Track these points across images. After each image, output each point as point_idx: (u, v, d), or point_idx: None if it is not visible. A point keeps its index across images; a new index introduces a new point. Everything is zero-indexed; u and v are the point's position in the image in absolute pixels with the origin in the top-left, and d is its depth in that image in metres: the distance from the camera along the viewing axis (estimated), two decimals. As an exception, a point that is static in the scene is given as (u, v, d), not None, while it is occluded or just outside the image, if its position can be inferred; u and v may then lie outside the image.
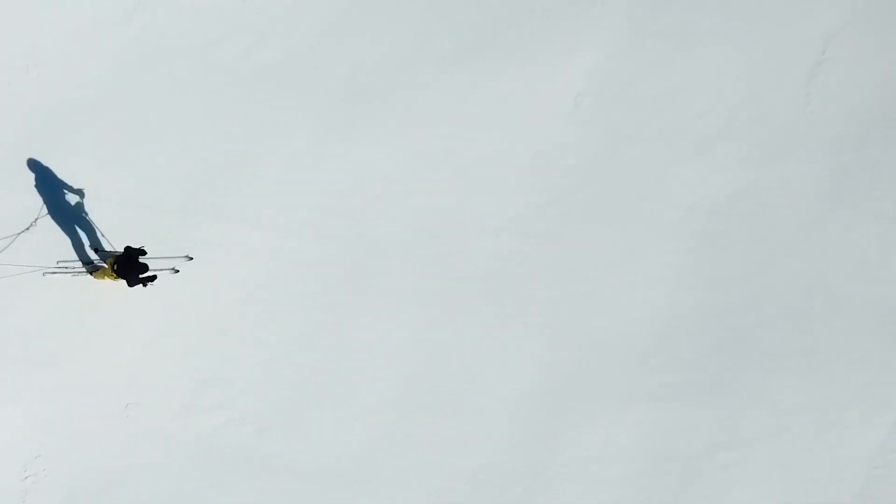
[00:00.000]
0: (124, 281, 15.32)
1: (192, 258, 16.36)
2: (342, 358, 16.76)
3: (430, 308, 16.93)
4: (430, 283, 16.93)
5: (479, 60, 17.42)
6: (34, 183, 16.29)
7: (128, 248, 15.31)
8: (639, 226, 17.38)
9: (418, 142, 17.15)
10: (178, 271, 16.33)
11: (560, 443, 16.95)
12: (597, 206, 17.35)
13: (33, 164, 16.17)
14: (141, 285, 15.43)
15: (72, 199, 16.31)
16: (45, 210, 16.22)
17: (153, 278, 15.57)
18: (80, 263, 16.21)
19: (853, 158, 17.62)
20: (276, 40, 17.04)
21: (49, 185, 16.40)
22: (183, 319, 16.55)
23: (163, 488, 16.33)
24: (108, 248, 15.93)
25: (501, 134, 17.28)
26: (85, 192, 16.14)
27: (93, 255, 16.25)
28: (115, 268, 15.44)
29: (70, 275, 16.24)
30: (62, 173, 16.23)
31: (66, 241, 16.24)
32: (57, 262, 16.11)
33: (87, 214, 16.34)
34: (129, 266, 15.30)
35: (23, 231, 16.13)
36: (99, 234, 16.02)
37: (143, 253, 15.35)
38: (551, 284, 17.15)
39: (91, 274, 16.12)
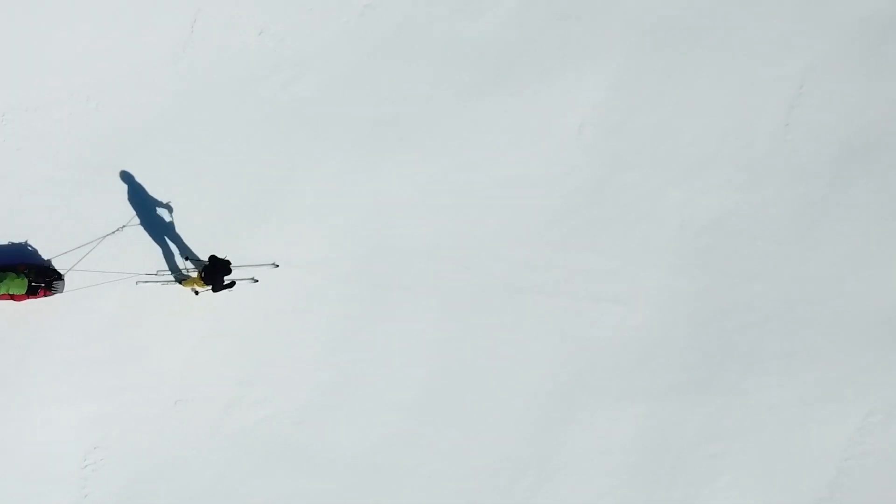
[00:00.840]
0: (209, 287, 16.56)
1: (277, 265, 17.61)
2: (370, 360, 18.00)
3: (448, 316, 18.17)
4: (447, 293, 18.18)
5: (493, 95, 18.55)
6: (124, 196, 17.55)
7: (213, 258, 16.52)
8: (636, 242, 18.64)
9: (437, 167, 18.33)
10: (257, 280, 17.55)
11: (565, 435, 18.30)
12: (598, 224, 18.58)
13: (123, 177, 17.49)
14: (227, 290, 16.65)
15: (163, 213, 17.60)
16: (135, 220, 17.46)
17: (233, 284, 16.72)
18: (169, 273, 17.45)
19: (827, 183, 18.91)
20: (310, 77, 18.23)
21: (139, 199, 17.66)
22: (227, 324, 17.72)
23: (209, 476, 17.63)
24: (169, 257, 17.20)
25: (512, 160, 18.47)
26: (172, 206, 17.38)
27: (182, 265, 17.51)
28: (203, 276, 16.63)
29: (161, 283, 17.47)
30: (139, 189, 17.55)
31: (157, 251, 17.58)
32: (157, 272, 17.41)
33: (174, 227, 17.60)
34: (215, 274, 16.50)
35: (107, 234, 17.27)
36: (177, 246, 17.38)
37: (229, 263, 16.54)
38: (557, 295, 18.43)
39: (179, 283, 17.36)
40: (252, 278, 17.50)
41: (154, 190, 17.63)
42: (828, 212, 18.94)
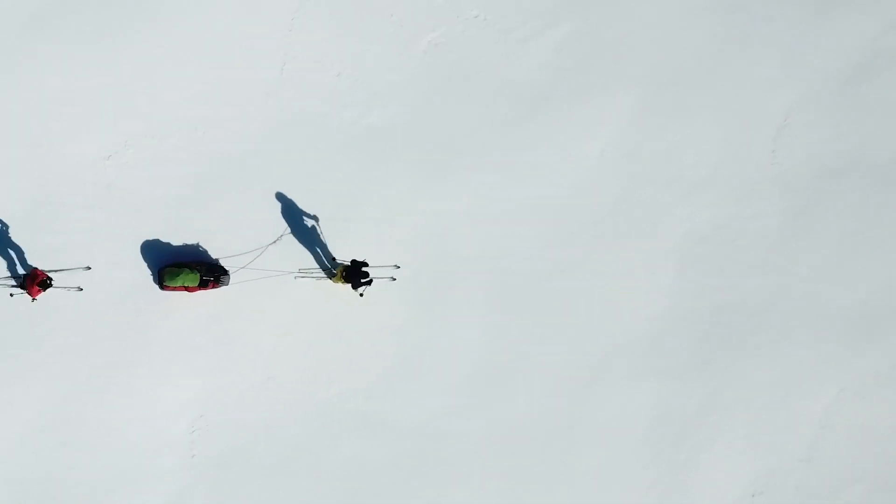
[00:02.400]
0: (349, 284, 18.66)
1: (399, 267, 19.40)
2: (427, 344, 19.86)
3: (493, 308, 20.00)
4: (492, 289, 20.03)
5: (529, 125, 20.40)
6: (279, 209, 19.64)
7: (353, 261, 18.58)
8: (646, 249, 20.40)
9: (483, 185, 20.19)
10: (395, 279, 19.46)
11: (589, 407, 20.10)
12: (614, 234, 20.33)
13: (279, 193, 19.70)
14: (366, 287, 18.62)
15: (308, 222, 19.66)
16: (287, 230, 19.52)
17: (370, 282, 18.63)
18: (321, 271, 19.46)
19: (806, 199, 20.66)
20: (379, 111, 20.21)
21: (291, 211, 19.69)
22: (309, 315, 19.70)
23: (293, 440, 19.60)
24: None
25: (545, 179, 20.29)
26: (319, 217, 19.46)
27: (326, 265, 19.44)
28: (344, 275, 18.61)
29: (314, 278, 19.48)
30: (287, 202, 19.69)
31: (307, 253, 19.70)
32: (299, 270, 19.43)
33: (321, 234, 19.63)
34: (354, 273, 18.54)
35: (270, 244, 19.34)
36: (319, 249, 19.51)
37: (366, 264, 18.52)
38: (580, 293, 20.24)
39: (331, 279, 19.28)
40: (391, 277, 19.45)
41: (278, 203, 19.66)
42: (807, 224, 20.64)
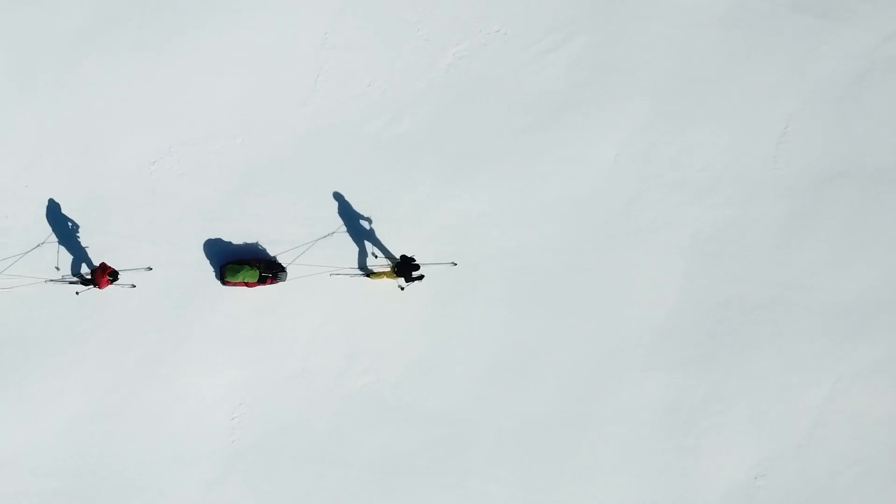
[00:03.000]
0: (401, 279, 19.40)
1: (455, 264, 20.29)
2: (451, 338, 20.62)
3: (512, 303, 20.72)
4: (511, 285, 20.73)
5: (547, 132, 21.11)
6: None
7: (403, 256, 19.38)
8: (656, 248, 21.08)
9: (504, 188, 20.89)
10: (455, 264, 20.05)
11: (603, 397, 20.80)
12: (626, 234, 21.02)
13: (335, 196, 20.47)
14: (416, 281, 19.26)
15: (365, 223, 20.52)
16: (343, 227, 20.38)
17: (421, 277, 19.31)
18: (357, 269, 20.23)
19: (806, 201, 21.28)
20: (406, 119, 20.98)
21: (346, 211, 20.50)
22: (340, 311, 20.52)
23: (326, 427, 20.40)
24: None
25: (562, 182, 21.03)
26: (372, 218, 20.27)
27: (372, 261, 20.22)
28: (395, 270, 19.39)
29: (349, 276, 20.22)
30: (342, 200, 20.49)
31: (353, 250, 20.59)
32: (347, 268, 20.23)
33: (373, 231, 20.41)
34: (405, 268, 19.31)
35: (318, 239, 20.08)
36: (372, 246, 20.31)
37: (414, 260, 19.27)
38: (595, 289, 20.94)
39: (368, 276, 20.06)
40: (452, 262, 20.13)
41: (332, 202, 20.57)
42: (806, 225, 21.28)
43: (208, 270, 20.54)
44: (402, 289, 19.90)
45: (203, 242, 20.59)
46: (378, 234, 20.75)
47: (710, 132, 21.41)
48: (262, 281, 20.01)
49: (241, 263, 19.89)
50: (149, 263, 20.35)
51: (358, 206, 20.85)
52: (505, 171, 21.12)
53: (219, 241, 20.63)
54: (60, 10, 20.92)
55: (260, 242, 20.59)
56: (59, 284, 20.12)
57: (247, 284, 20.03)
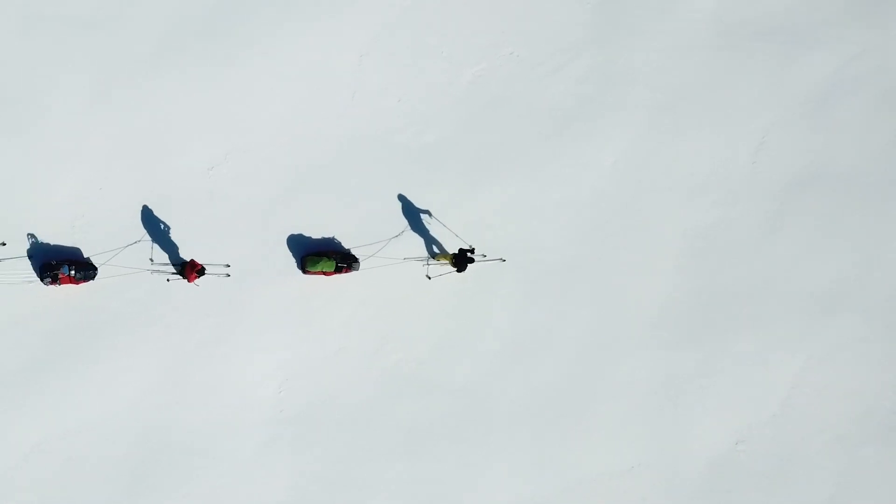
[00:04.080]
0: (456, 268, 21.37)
1: (504, 260, 22.23)
2: (471, 321, 22.79)
3: (523, 291, 22.91)
4: (523, 276, 22.87)
5: (554, 140, 23.28)
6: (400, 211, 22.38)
7: (461, 249, 21.30)
8: (652, 244, 23.10)
9: (515, 191, 23.13)
10: (504, 260, 22.07)
11: (602, 373, 22.92)
12: (624, 231, 23.05)
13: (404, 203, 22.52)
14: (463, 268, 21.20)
15: (427, 219, 22.50)
16: (408, 226, 22.61)
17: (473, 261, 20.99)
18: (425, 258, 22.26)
19: (781, 203, 23.36)
20: (432, 129, 23.15)
21: (410, 211, 22.53)
22: (372, 297, 22.56)
23: (361, 399, 22.46)
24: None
25: (566, 186, 23.18)
26: (432, 212, 22.20)
27: (435, 251, 22.29)
28: (454, 260, 21.28)
29: (423, 264, 22.17)
30: (407, 200, 22.58)
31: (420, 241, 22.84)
32: (403, 259, 22.18)
33: (431, 225, 22.41)
34: (462, 259, 21.22)
35: (394, 237, 21.98)
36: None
37: (472, 251, 21.14)
38: (597, 280, 23.03)
39: (433, 258, 22.01)
40: (501, 258, 22.06)
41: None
42: (782, 223, 23.36)
43: (258, 264, 22.58)
44: (430, 278, 21.94)
45: (302, 237, 22.65)
46: (410, 230, 22.90)
47: (697, 142, 23.69)
48: (338, 270, 21.96)
49: (320, 255, 21.86)
50: (206, 259, 22.48)
51: (389, 207, 23.09)
52: (516, 175, 23.39)
53: (297, 236, 22.67)
54: (133, 34, 23.05)
55: (336, 237, 22.60)
56: (154, 274, 22.14)
57: (324, 273, 22.03)
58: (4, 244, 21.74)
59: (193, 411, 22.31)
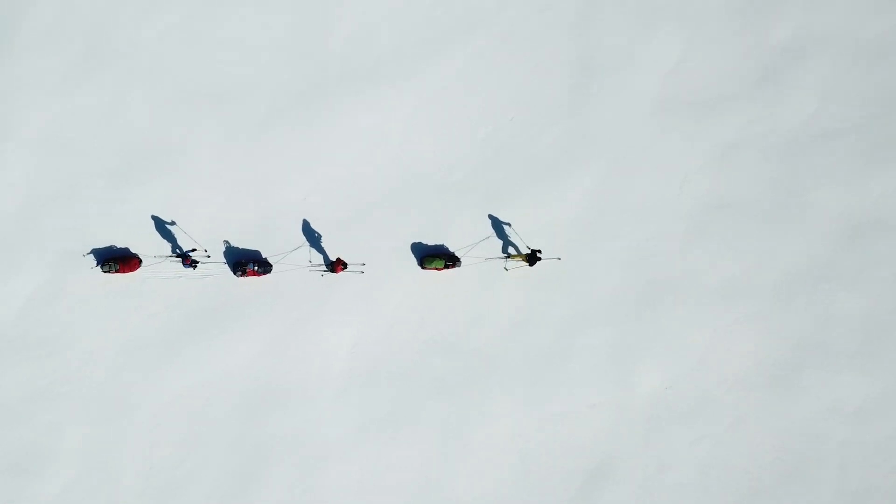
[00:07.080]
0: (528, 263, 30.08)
1: (560, 259, 30.60)
2: (483, 309, 31.87)
3: (526, 283, 31.85)
4: (525, 272, 31.65)
5: (543, 181, 32.21)
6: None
7: (532, 250, 29.96)
8: (608, 252, 32.06)
9: (516, 214, 32.25)
10: (559, 258, 30.68)
11: (573, 342, 31.79)
12: (590, 243, 32.03)
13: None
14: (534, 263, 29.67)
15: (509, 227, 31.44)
16: (492, 234, 31.33)
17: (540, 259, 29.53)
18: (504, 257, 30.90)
19: (699, 222, 32.15)
20: (457, 171, 32.43)
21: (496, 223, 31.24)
22: (416, 288, 31.71)
23: (407, 360, 31.81)
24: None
25: (551, 210, 32.23)
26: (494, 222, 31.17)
27: (510, 251, 30.93)
28: (528, 258, 29.86)
29: (503, 260, 30.95)
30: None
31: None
32: (485, 259, 31.03)
33: (510, 229, 30.87)
34: (533, 258, 29.72)
35: (481, 240, 30.82)
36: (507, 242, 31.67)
37: (539, 251, 29.65)
38: (574, 277, 31.88)
39: (508, 258, 30.63)
40: (557, 257, 30.70)
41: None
42: (699, 236, 32.33)
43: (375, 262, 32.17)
44: (507, 269, 30.84)
45: (421, 245, 32.15)
46: (453, 240, 32.42)
47: (640, 183, 32.98)
48: (446, 267, 30.79)
49: (434, 256, 30.59)
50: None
51: (431, 228, 32.66)
52: (517, 203, 32.96)
53: (415, 244, 32.56)
54: (252, 101, 32.96)
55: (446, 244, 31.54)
56: (311, 271, 31.75)
57: (437, 269, 30.86)
58: (209, 256, 31.15)
59: (286, 371, 31.91)
